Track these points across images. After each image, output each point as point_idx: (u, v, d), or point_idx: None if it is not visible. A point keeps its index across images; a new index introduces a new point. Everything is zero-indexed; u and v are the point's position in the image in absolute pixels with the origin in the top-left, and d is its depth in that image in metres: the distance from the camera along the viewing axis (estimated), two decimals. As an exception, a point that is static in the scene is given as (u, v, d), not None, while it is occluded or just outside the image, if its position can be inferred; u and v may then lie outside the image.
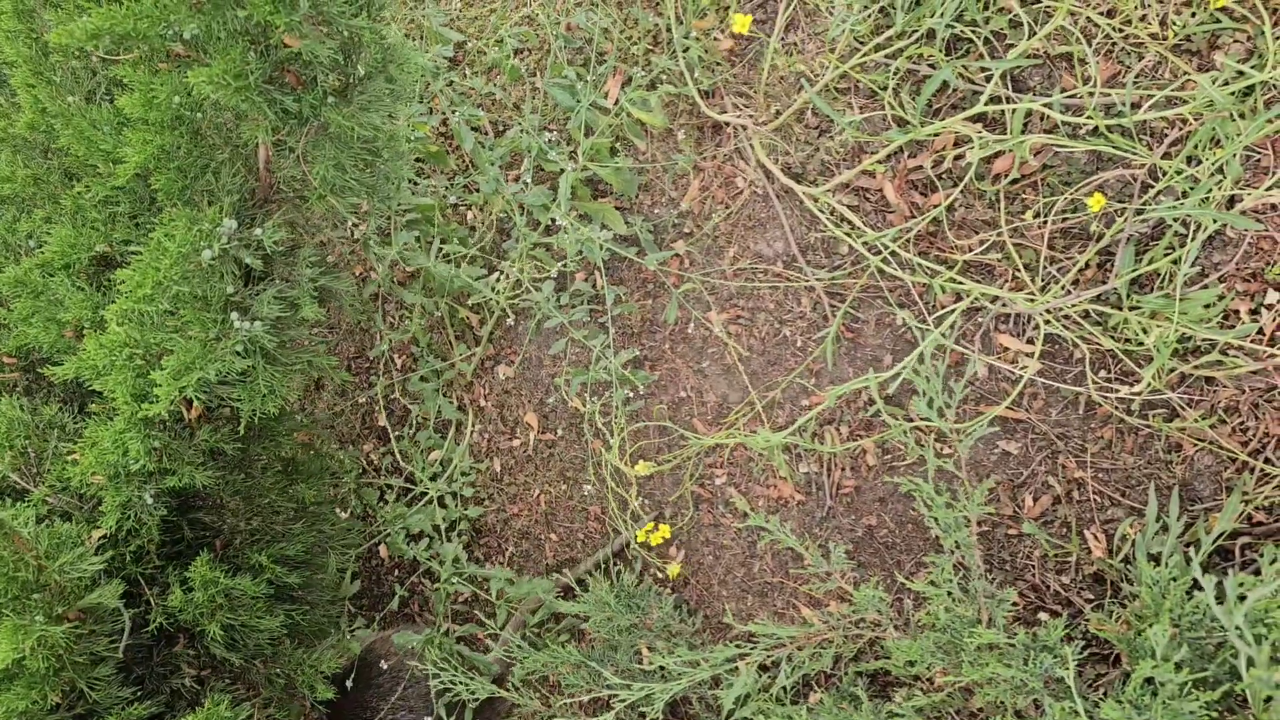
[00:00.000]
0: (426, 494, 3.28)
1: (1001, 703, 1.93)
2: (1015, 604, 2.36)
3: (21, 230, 2.48)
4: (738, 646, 2.22)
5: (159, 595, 2.45)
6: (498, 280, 3.03)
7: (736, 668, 2.30)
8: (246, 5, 1.69)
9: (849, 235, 2.54)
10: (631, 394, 2.90)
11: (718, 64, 2.79)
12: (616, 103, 2.84)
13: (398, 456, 3.41)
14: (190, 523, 2.53)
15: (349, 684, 3.20)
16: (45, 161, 2.50)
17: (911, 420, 2.51)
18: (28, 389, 2.60)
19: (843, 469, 2.66)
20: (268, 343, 2.06)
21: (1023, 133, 2.36)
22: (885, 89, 2.52)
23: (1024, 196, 2.41)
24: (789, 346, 2.74)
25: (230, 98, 1.74)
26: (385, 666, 2.99)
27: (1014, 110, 2.34)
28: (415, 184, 3.11)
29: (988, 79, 2.41)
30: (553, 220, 2.90)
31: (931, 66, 2.48)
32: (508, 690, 2.66)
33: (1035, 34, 2.33)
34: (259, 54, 1.79)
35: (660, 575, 2.92)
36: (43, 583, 2.14)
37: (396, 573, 3.46)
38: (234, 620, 2.44)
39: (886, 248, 2.48)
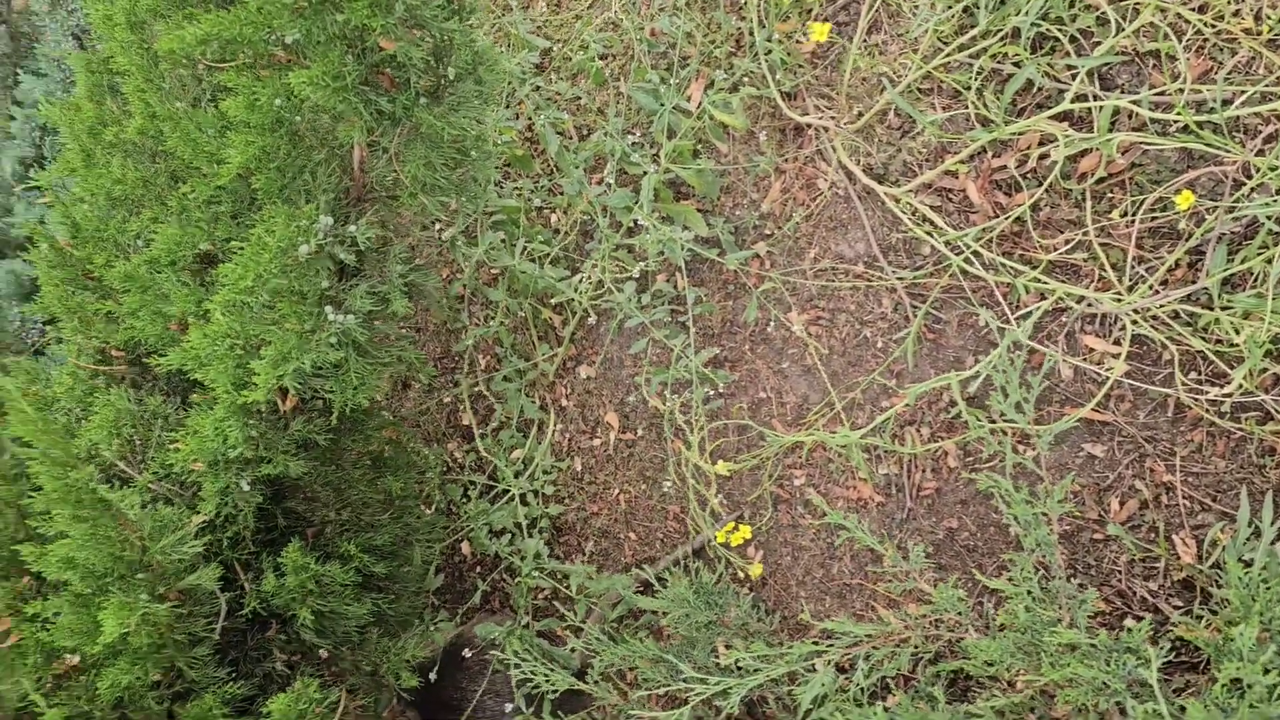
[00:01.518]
0: (509, 491, 3.35)
1: (1083, 705, 1.90)
2: (1100, 610, 2.32)
3: (131, 230, 2.61)
4: (815, 645, 2.22)
5: (253, 580, 2.55)
6: (580, 281, 3.09)
7: (814, 666, 2.31)
8: (345, 10, 1.77)
9: (931, 235, 2.53)
10: (711, 393, 2.92)
11: (799, 66, 2.80)
12: (699, 106, 2.87)
13: (481, 454, 3.49)
14: (284, 511, 2.63)
15: (433, 675, 3.28)
16: (153, 165, 2.62)
17: (994, 421, 2.48)
18: (134, 381, 2.73)
19: (923, 470, 2.64)
20: (360, 336, 2.14)
21: (1110, 131, 2.32)
22: (969, 88, 2.51)
23: (1111, 195, 2.37)
24: (869, 347, 2.73)
25: (329, 99, 1.82)
26: (469, 655, 3.06)
27: (1101, 108, 2.31)
28: (501, 187, 3.19)
29: (1074, 77, 2.38)
30: (635, 222, 2.94)
31: (1016, 65, 2.46)
32: (587, 683, 2.70)
33: (1123, 31, 2.30)
34: (355, 57, 1.87)
35: (738, 575, 2.93)
36: (146, 563, 2.25)
37: (478, 569, 3.53)
38: (324, 606, 2.53)
39: (969, 247, 2.46)
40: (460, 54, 1.95)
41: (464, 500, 3.48)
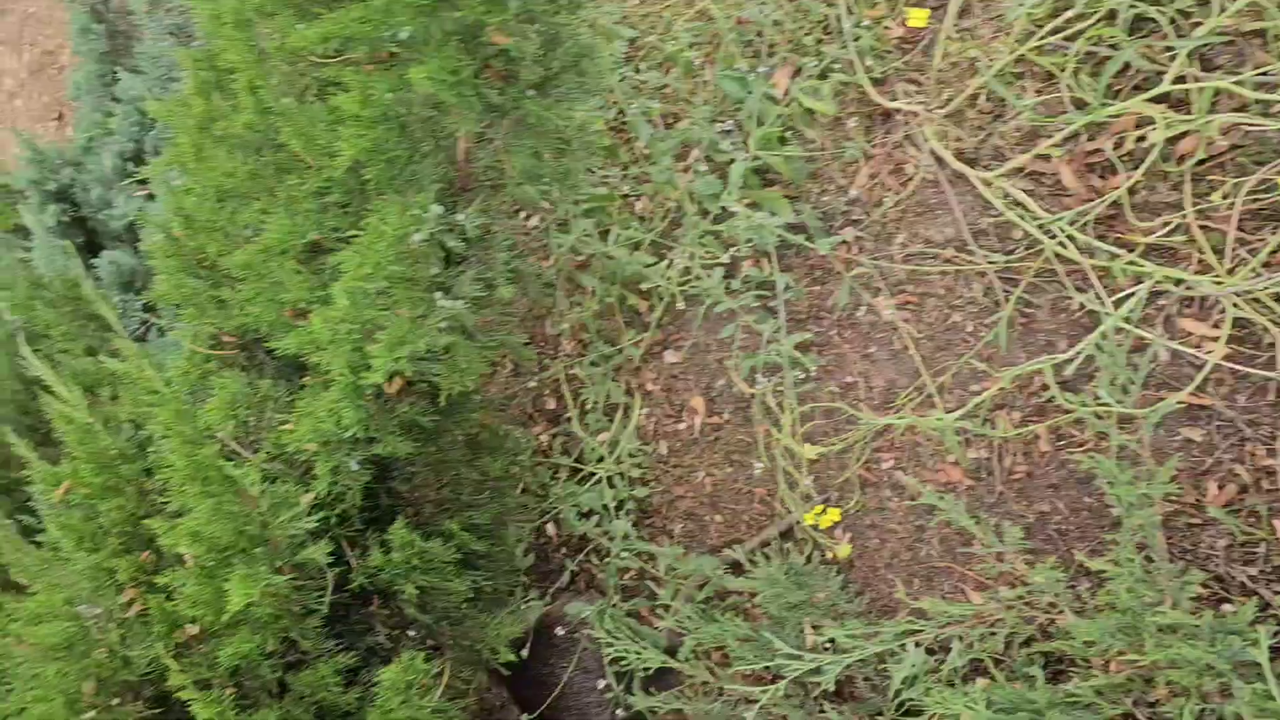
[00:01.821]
0: (595, 474, 3.42)
1: (1185, 687, 1.91)
2: (1197, 595, 2.31)
3: (240, 220, 2.72)
4: (910, 624, 2.25)
5: (360, 556, 2.65)
6: (668, 267, 3.14)
7: (905, 647, 2.34)
8: (461, 6, 1.84)
9: (1024, 219, 2.53)
10: (801, 376, 2.96)
11: (888, 52, 2.82)
12: (787, 93, 2.90)
13: (567, 438, 3.56)
14: (387, 491, 2.73)
15: (524, 653, 3.37)
16: (260, 158, 2.73)
17: (1088, 405, 2.48)
18: (243, 366, 2.85)
19: (1014, 454, 2.65)
20: (467, 321, 2.22)
21: (1210, 112, 2.31)
22: (1063, 71, 2.50)
23: (1211, 177, 2.36)
24: (959, 332, 2.74)
25: (445, 93, 1.89)
26: (561, 632, 3.14)
27: (1201, 89, 2.29)
28: (591, 174, 3.25)
29: (1172, 58, 2.36)
30: (722, 209, 2.98)
31: (1112, 47, 2.45)
32: (677, 661, 2.76)
33: (1225, 10, 2.28)
34: (468, 51, 1.94)
35: (826, 556, 2.96)
36: (265, 538, 2.36)
37: (564, 550, 3.61)
38: (426, 583, 2.62)
39: (1064, 231, 2.46)
40: (566, 46, 2.01)
41: (552, 482, 3.55)
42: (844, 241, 2.93)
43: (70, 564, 2.35)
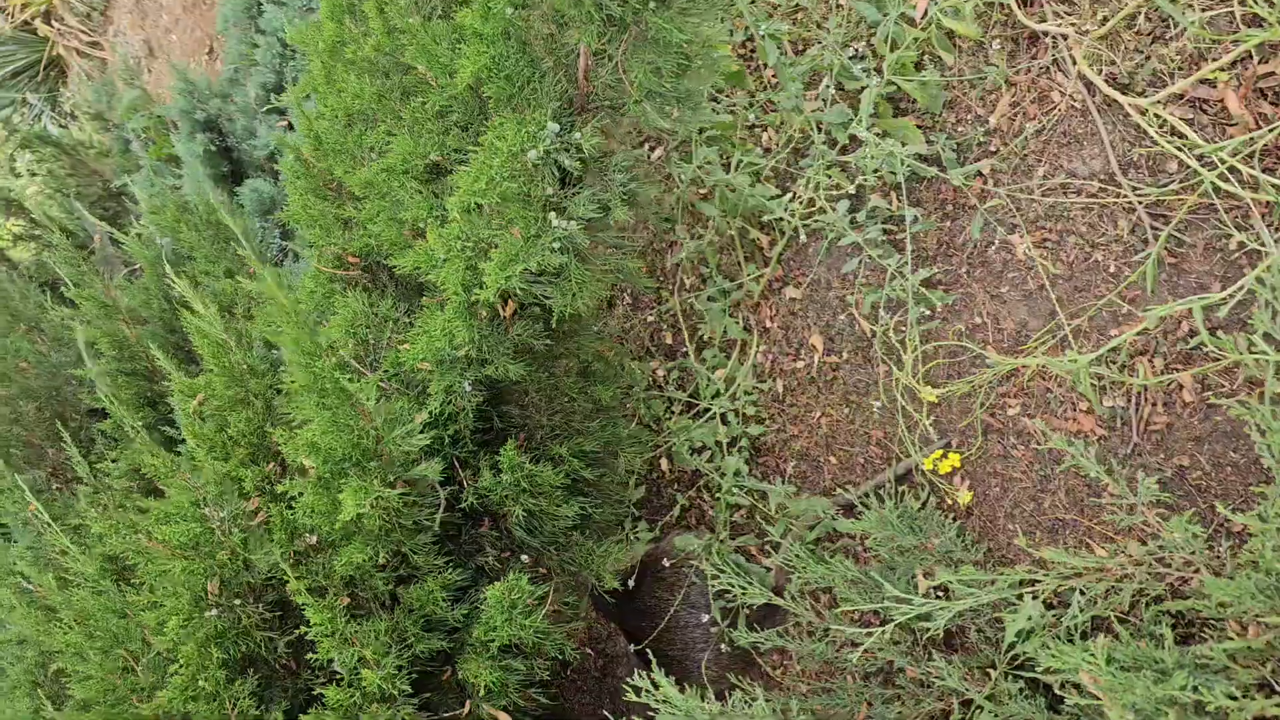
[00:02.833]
0: (709, 410, 3.38)
1: (1333, 656, 1.76)
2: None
3: (367, 142, 2.75)
4: (1028, 572, 2.15)
5: (471, 477, 2.69)
6: (791, 200, 3.04)
7: (1021, 597, 2.24)
8: (580, -89, 1.78)
9: (1181, 150, 2.34)
10: (926, 313, 2.84)
11: (1037, -30, 2.63)
12: (925, 14, 2.75)
13: (683, 372, 3.53)
14: (499, 414, 2.75)
15: (631, 583, 3.39)
16: (387, 81, 2.75)
17: (1246, 352, 2.30)
18: (365, 287, 2.90)
19: (1154, 404, 2.48)
20: (581, 242, 2.19)
21: (1405, 31, 2.07)
22: (1234, -12, 2.29)
23: (1400, 105, 2.13)
24: (1100, 272, 2.58)
25: (565, 5, 1.84)
26: (667, 565, 3.14)
27: (1395, 5, 2.06)
28: (716, 101, 3.17)
29: (1363, -29, 2.13)
30: (850, 139, 2.87)
31: (1293, -40, 2.22)
32: (783, 600, 2.72)
33: None
34: (587, -40, 1.89)
35: (944, 502, 2.86)
36: (379, 452, 2.41)
37: (676, 485, 3.60)
38: (534, 506, 2.64)
39: (1225, 163, 2.27)
40: (689, -44, 1.94)
41: (666, 416, 3.54)
42: (979, 173, 2.77)
43: (199, 471, 2.45)
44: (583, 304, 2.29)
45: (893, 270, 2.78)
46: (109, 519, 2.40)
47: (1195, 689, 1.79)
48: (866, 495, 2.98)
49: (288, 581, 2.38)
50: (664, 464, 3.61)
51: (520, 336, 2.50)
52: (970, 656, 2.62)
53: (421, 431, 2.60)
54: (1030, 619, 2.26)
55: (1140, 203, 2.45)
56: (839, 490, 3.13)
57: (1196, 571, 2.08)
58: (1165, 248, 2.43)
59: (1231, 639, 1.90)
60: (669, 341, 3.66)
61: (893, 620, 2.24)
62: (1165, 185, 2.42)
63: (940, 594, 2.58)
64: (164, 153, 5.44)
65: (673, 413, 3.51)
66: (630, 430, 3.15)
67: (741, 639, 2.79)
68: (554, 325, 2.51)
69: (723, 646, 3.08)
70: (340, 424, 2.27)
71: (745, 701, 2.26)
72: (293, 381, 2.33)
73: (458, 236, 2.12)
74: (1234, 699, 1.75)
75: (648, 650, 3.28)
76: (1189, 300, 2.21)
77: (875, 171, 2.79)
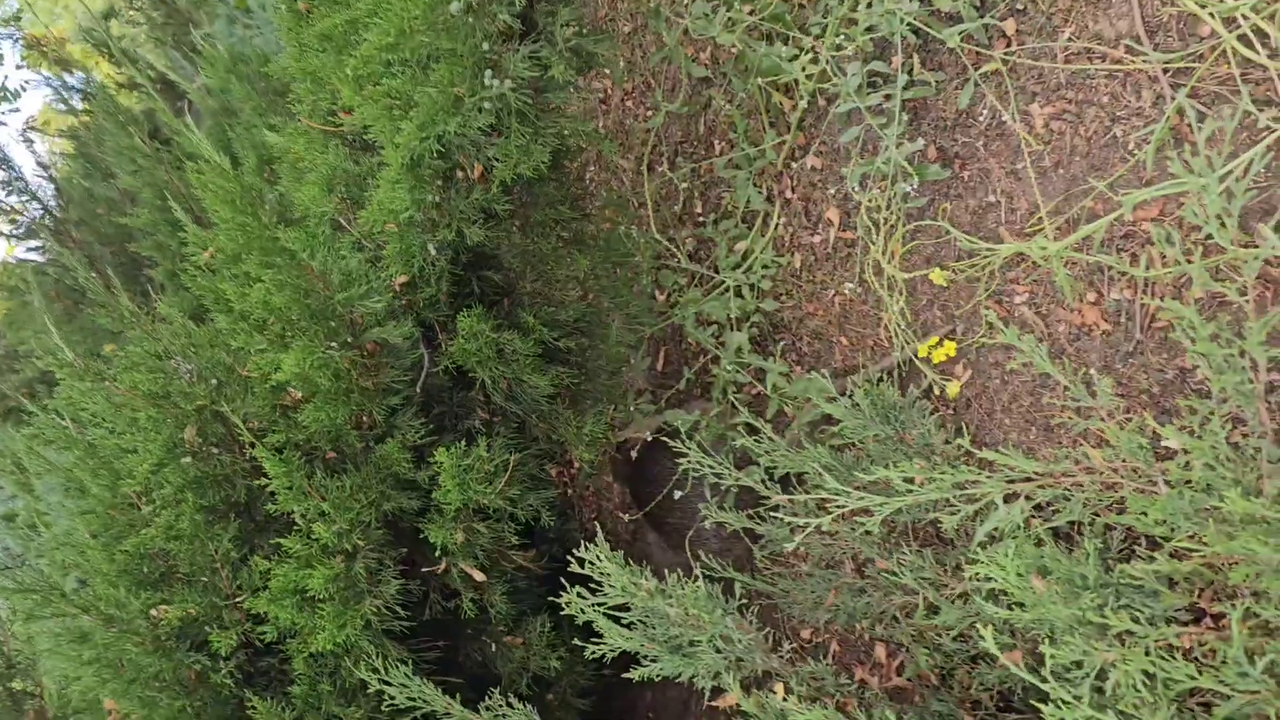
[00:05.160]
0: (724, 283, 3.26)
1: (1267, 590, 1.59)
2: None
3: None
4: (972, 471, 2.01)
5: (448, 341, 2.69)
6: (811, 61, 2.82)
7: (974, 498, 2.11)
8: None
9: (1204, 7, 2.03)
10: (912, 191, 2.62)
11: None
12: None
13: (699, 244, 3.41)
14: (479, 279, 2.72)
15: (634, 454, 3.38)
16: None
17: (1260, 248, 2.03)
18: (352, 142, 2.86)
19: (1160, 298, 2.24)
20: (517, 103, 2.09)
21: None
22: None
23: None
24: (1118, 149, 2.30)
25: None
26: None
27: None
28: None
29: None
30: (865, -8, 2.61)
31: None
32: (754, 482, 2.65)
33: None
34: None
35: (939, 393, 2.70)
36: (329, 312, 2.39)
37: (688, 359, 3.52)
38: (501, 373, 2.62)
39: (1247, 20, 1.95)
40: None
41: (674, 290, 3.44)
42: (1003, 35, 2.49)
43: (169, 322, 2.51)
44: (528, 168, 2.20)
45: (889, 141, 2.56)
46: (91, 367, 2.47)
47: (1100, 610, 1.66)
48: (867, 381, 2.85)
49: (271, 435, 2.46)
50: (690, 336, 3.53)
51: (481, 200, 2.43)
52: (942, 550, 2.52)
53: (399, 295, 2.60)
54: (1000, 521, 2.12)
55: (1162, 70, 2.16)
56: (849, 374, 3.00)
57: (1154, 485, 1.90)
58: (1187, 123, 2.14)
59: (1163, 560, 1.74)
60: (699, 210, 3.52)
61: (830, 511, 2.15)
62: (1192, 52, 2.12)
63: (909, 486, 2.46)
64: (245, 2, 5.49)
65: (694, 285, 3.41)
66: (631, 302, 3.06)
67: (712, 517, 2.74)
68: (516, 188, 2.43)
69: (709, 524, 3.06)
70: (286, 284, 2.27)
71: (680, 583, 2.24)
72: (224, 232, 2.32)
73: (385, 94, 2.06)
74: (1137, 622, 1.61)
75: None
76: (1176, 184, 1.95)
77: (891, 31, 2.54)
